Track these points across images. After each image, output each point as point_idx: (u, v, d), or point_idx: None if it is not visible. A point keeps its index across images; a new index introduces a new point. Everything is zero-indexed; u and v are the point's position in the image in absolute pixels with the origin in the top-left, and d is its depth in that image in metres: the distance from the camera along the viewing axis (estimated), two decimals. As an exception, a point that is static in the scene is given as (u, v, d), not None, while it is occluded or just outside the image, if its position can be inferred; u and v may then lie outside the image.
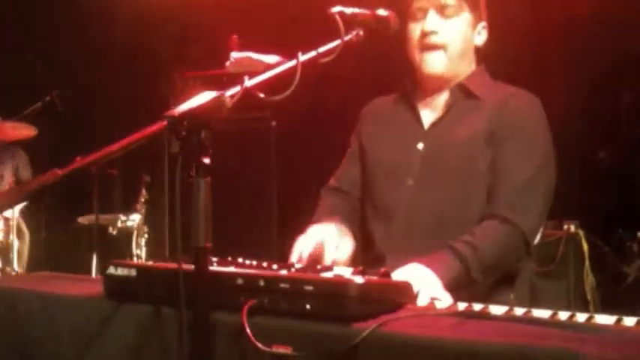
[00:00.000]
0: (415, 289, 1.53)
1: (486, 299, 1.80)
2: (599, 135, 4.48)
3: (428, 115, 2.06)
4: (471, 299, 1.68)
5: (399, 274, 1.63)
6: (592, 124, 4.41)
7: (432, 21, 1.97)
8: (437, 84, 2.05)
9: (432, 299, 1.54)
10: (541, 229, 2.05)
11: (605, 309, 3.79)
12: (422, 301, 1.51)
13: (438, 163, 1.97)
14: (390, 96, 2.20)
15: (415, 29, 2.00)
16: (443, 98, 2.05)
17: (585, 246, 3.93)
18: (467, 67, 2.06)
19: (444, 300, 1.58)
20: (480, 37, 2.06)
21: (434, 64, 1.99)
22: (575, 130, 4.16)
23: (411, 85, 2.11)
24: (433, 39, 1.97)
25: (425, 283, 1.62)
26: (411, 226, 1.95)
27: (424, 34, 1.97)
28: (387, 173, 2.04)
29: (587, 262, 3.91)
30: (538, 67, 4.27)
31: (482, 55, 2.11)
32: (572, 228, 3.98)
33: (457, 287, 1.70)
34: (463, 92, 2.03)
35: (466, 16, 2.01)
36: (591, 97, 4.38)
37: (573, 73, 4.31)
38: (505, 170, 1.91)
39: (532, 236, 1.91)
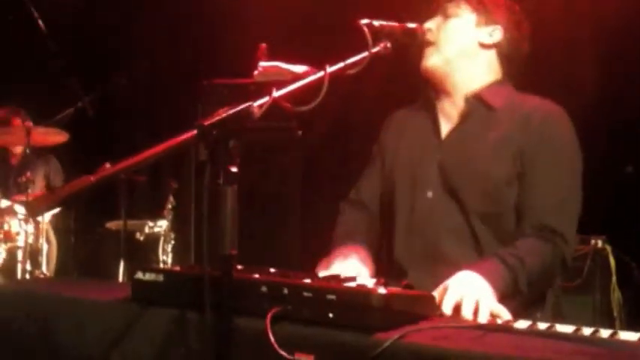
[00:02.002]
0: (473, 300, 1.54)
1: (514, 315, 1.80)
2: (626, 149, 4.42)
3: (445, 124, 2.06)
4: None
5: (454, 283, 1.61)
6: (620, 138, 4.36)
7: (431, 20, 2.02)
8: (439, 83, 2.04)
9: (492, 314, 1.53)
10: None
11: (632, 325, 3.73)
12: (482, 315, 1.51)
13: (456, 175, 1.96)
14: (412, 105, 2.20)
15: None
16: (458, 107, 2.04)
17: (612, 261, 3.88)
18: (479, 72, 2.03)
19: (503, 314, 1.57)
20: (492, 37, 2.02)
21: (426, 59, 2.02)
22: (602, 143, 4.12)
23: (432, 95, 2.10)
24: (428, 35, 2.00)
25: (482, 294, 1.59)
26: (430, 238, 1.95)
27: (423, 32, 2.00)
28: (406, 185, 2.04)
29: (613, 278, 3.85)
30: (567, 79, 4.23)
31: (510, 63, 2.07)
32: (600, 243, 3.92)
33: (505, 299, 1.68)
34: (480, 103, 2.01)
35: (467, 17, 2.01)
36: (619, 109, 4.33)
37: (601, 85, 4.27)
38: (538, 187, 1.89)
39: (569, 256, 1.90)
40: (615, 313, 3.82)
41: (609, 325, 3.71)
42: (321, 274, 1.83)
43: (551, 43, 4.22)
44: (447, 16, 2.01)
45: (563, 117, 1.99)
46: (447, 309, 1.54)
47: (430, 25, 2.01)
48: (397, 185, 2.07)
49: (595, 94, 4.26)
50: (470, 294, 1.56)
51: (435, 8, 2.04)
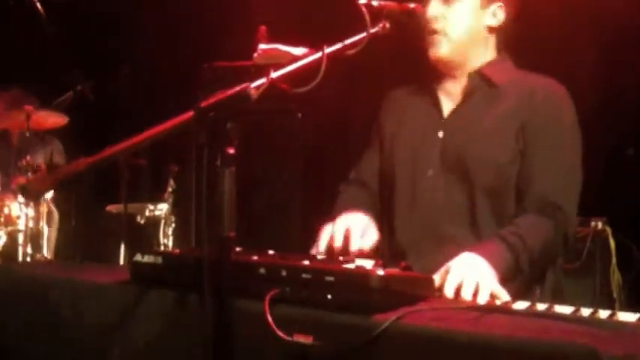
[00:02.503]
0: (474, 281, 1.53)
1: (514, 293, 1.80)
2: (627, 131, 4.41)
3: (447, 102, 2.05)
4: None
5: (455, 265, 1.61)
6: (620, 120, 4.34)
7: (433, 7, 1.98)
8: (447, 69, 2.04)
9: (492, 296, 1.53)
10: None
11: (632, 307, 3.74)
12: (482, 297, 1.51)
13: (457, 154, 1.96)
14: (411, 85, 2.20)
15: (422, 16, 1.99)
16: (460, 85, 2.04)
17: (612, 243, 3.88)
18: (481, 52, 2.03)
19: (503, 296, 1.57)
20: (496, 18, 2.02)
21: (435, 48, 2.00)
22: (603, 125, 4.11)
23: (432, 74, 2.10)
24: (434, 25, 1.98)
25: (483, 276, 1.59)
26: (431, 218, 1.95)
27: (427, 20, 1.99)
28: (407, 163, 2.04)
29: (613, 260, 3.85)
30: (568, 61, 4.21)
31: (505, 39, 2.07)
32: (600, 225, 3.93)
33: (507, 279, 1.68)
34: (483, 80, 2.01)
35: (471, 0, 1.99)
36: (620, 91, 4.31)
37: (601, 67, 4.25)
38: (540, 164, 1.89)
39: (571, 233, 1.90)
40: (615, 295, 3.83)
41: (609, 306, 3.72)
42: (324, 236, 1.84)
43: (553, 25, 4.19)
44: (447, 2, 1.98)
45: (566, 96, 1.98)
46: (448, 291, 1.54)
47: (434, 11, 1.98)
48: (397, 165, 2.07)
49: (597, 76, 4.24)
50: (470, 276, 1.56)
51: None
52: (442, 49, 1.99)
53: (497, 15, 2.02)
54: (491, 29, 2.03)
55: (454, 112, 2.02)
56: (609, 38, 4.28)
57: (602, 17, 4.19)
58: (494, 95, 1.99)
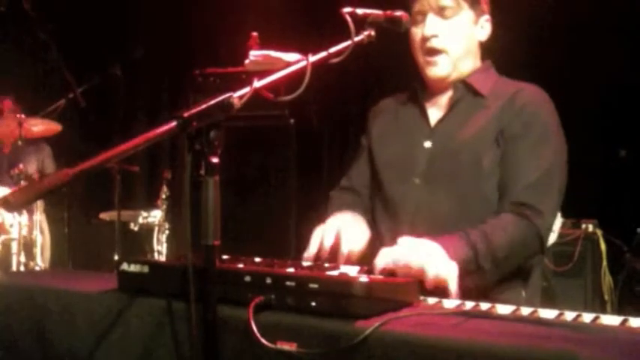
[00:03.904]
0: (421, 260, 1.55)
1: (498, 295, 1.81)
2: (619, 133, 4.43)
3: (434, 112, 2.07)
4: (482, 293, 1.68)
5: (406, 243, 1.62)
6: (612, 122, 4.36)
7: (431, 24, 1.98)
8: (443, 85, 2.06)
9: (438, 276, 1.54)
10: (558, 228, 2.04)
11: (623, 309, 3.76)
12: (430, 272, 1.52)
13: (444, 162, 1.97)
14: (398, 95, 2.21)
15: (417, 33, 2.01)
16: (447, 95, 2.06)
17: (603, 245, 3.90)
18: (471, 63, 2.06)
19: (451, 270, 1.58)
20: (484, 30, 2.05)
21: (437, 68, 2.00)
22: (594, 128, 4.12)
23: (419, 85, 2.12)
24: (434, 42, 1.98)
25: (432, 256, 1.60)
26: (417, 225, 1.95)
27: (425, 38, 1.98)
28: (394, 172, 2.05)
29: (604, 262, 3.87)
30: (560, 64, 4.22)
31: (487, 48, 2.09)
32: (591, 227, 3.95)
33: (465, 273, 1.67)
34: (468, 90, 2.03)
35: (466, 14, 2.01)
36: (611, 93, 4.33)
37: (592, 69, 4.26)
38: (517, 167, 1.90)
39: (546, 233, 1.90)
40: (606, 297, 3.85)
41: (601, 309, 3.74)
42: (315, 238, 1.85)
43: (544, 27, 4.21)
44: (444, 17, 1.98)
45: (545, 100, 1.99)
46: (379, 264, 1.57)
47: (433, 28, 1.97)
48: (385, 172, 2.08)
49: (588, 78, 4.26)
50: (419, 255, 1.58)
51: (425, 7, 1.99)
52: (444, 70, 2.00)
53: (485, 28, 2.05)
54: (481, 44, 2.07)
55: (440, 122, 2.03)
56: (597, 37, 4.29)
57: (598, 20, 4.22)
58: (478, 104, 2.01)
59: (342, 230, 1.86)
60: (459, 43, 2.00)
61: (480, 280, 1.77)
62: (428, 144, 2.02)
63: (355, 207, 2.10)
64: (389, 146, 2.11)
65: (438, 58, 2.00)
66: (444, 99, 2.06)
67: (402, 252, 1.61)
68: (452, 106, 2.03)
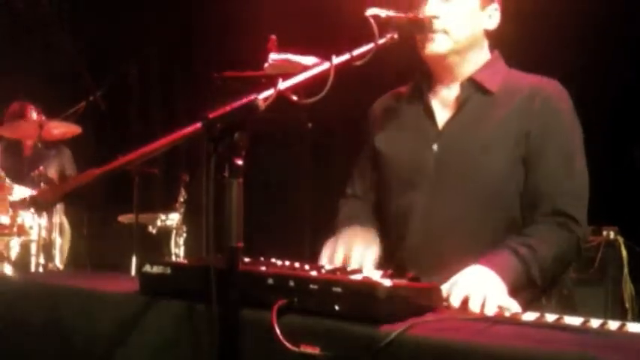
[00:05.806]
0: (481, 294, 1.51)
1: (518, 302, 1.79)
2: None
3: (441, 113, 1.99)
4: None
5: (462, 278, 1.58)
6: (633, 129, 4.31)
7: (432, 5, 1.91)
8: (444, 70, 1.98)
9: (500, 308, 1.50)
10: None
11: (644, 317, 3.72)
12: (489, 310, 1.48)
13: (453, 166, 1.91)
14: (399, 91, 2.14)
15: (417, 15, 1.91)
16: (454, 93, 1.98)
17: (624, 253, 3.86)
18: (477, 55, 1.98)
19: (512, 308, 1.54)
20: (492, 20, 1.97)
21: (435, 44, 1.91)
22: (618, 136, 4.07)
23: (422, 77, 2.04)
24: (435, 24, 1.89)
25: (490, 289, 1.55)
26: (426, 232, 1.91)
27: (425, 19, 1.88)
28: (401, 177, 1.99)
29: (625, 270, 3.83)
30: (570, 62, 4.15)
31: (496, 39, 2.02)
32: (612, 234, 3.90)
33: (517, 291, 1.65)
34: (476, 88, 1.96)
35: None
36: (631, 96, 4.27)
37: (614, 72, 4.21)
38: (550, 173, 1.86)
39: (584, 240, 1.87)
40: (627, 305, 3.81)
41: (622, 317, 3.69)
42: (326, 253, 1.83)
43: (555, 22, 4.16)
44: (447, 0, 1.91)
45: (563, 95, 1.93)
46: (455, 303, 1.52)
47: (433, 9, 1.90)
48: (392, 177, 2.02)
49: (609, 81, 4.21)
50: (477, 289, 1.53)
51: None
52: (441, 46, 1.91)
53: (493, 17, 1.97)
54: (487, 32, 1.99)
55: (448, 124, 1.96)
56: (611, 35, 4.23)
57: (608, 16, 4.16)
58: (488, 103, 1.94)
59: (353, 248, 1.82)
60: (459, 25, 1.91)
61: (533, 294, 1.75)
62: (435, 147, 1.95)
63: (363, 216, 2.05)
64: (394, 150, 2.03)
65: (437, 36, 1.91)
66: (451, 97, 1.98)
67: (467, 284, 1.56)
68: (460, 106, 1.95)
